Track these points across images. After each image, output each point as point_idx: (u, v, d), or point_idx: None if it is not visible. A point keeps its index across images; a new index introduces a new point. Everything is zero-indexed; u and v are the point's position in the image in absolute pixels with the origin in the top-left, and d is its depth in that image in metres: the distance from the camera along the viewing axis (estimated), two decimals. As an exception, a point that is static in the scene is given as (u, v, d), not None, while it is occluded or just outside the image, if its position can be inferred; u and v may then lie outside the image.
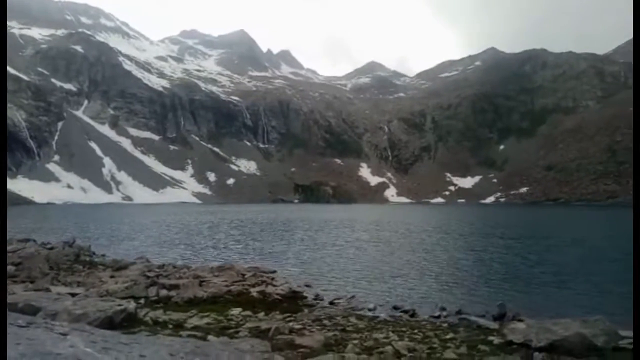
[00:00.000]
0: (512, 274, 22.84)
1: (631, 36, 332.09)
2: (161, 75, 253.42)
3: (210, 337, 8.44)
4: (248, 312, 13.19)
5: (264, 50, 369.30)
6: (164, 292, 16.16)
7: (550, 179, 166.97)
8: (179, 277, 19.90)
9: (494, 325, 12.50)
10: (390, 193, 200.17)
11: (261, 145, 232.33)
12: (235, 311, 13.20)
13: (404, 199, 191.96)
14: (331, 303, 16.92)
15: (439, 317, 14.92)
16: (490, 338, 9.36)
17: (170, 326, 10.32)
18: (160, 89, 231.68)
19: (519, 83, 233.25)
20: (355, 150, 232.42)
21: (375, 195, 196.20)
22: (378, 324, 12.01)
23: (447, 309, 15.78)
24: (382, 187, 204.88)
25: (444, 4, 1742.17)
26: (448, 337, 9.88)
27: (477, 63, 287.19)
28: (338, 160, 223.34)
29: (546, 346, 7.72)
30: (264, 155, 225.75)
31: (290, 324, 11.15)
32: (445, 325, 12.63)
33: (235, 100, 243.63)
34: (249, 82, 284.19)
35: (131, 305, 10.57)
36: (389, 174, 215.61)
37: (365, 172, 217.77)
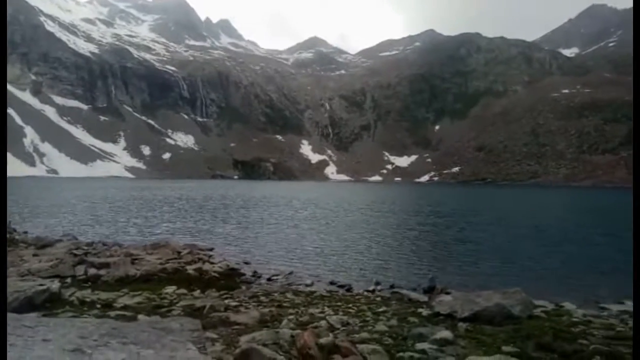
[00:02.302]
0: (442, 250, 24.09)
1: (558, 25, 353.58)
2: (89, 39, 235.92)
3: (140, 316, 8.16)
4: (183, 290, 12.92)
5: (202, 18, 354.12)
6: (92, 271, 15.44)
7: (479, 159, 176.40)
8: (110, 255, 19.09)
9: (424, 298, 13.18)
10: (331, 170, 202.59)
11: (199, 119, 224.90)
12: (170, 289, 12.90)
13: (343, 177, 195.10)
14: (269, 279, 17.01)
15: (373, 291, 15.46)
16: (420, 310, 9.86)
17: (99, 306, 9.89)
18: (88, 54, 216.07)
19: (455, 65, 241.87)
20: (296, 126, 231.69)
21: (315, 172, 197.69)
22: (314, 299, 12.23)
23: (381, 284, 16.37)
24: (323, 164, 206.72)
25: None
26: (381, 310, 10.27)
27: (417, 44, 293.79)
28: (279, 137, 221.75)
29: (470, 316, 8.27)
30: (202, 129, 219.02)
31: (226, 301, 11.07)
32: (379, 299, 13.11)
33: (171, 70, 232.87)
34: (186, 51, 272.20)
35: (55, 284, 9.97)
36: (329, 152, 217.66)
37: (306, 149, 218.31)
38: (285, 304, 11.06)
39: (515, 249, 24.42)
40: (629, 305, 12.91)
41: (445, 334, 7.04)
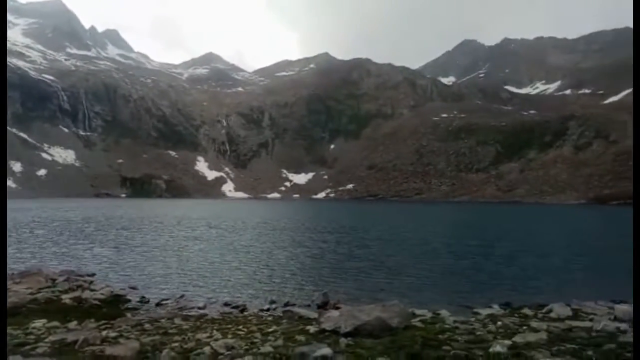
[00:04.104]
0: (335, 265, 24.93)
1: (437, 55, 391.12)
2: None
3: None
4: (55, 323, 11.70)
5: (87, 26, 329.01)
6: (-61, 309, 13.27)
7: (371, 177, 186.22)
8: (-36, 288, 16.63)
9: (314, 314, 13.50)
10: (228, 188, 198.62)
11: (81, 133, 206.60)
12: (39, 323, 11.60)
13: (241, 194, 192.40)
14: (158, 304, 16.16)
15: (268, 310, 15.47)
16: (308, 327, 10.08)
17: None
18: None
19: (348, 88, 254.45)
20: (191, 142, 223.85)
21: (212, 190, 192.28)
22: (204, 323, 11.86)
23: (276, 302, 16.44)
24: (220, 181, 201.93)
25: (281, 5, 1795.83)
26: (271, 330, 10.30)
27: (312, 66, 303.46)
28: (172, 153, 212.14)
29: (352, 331, 8.69)
30: (85, 144, 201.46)
31: (105, 332, 10.23)
32: (270, 318, 13.14)
33: (49, 79, 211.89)
34: (67, 60, 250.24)
35: None
36: (226, 169, 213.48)
37: (202, 165, 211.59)
38: (171, 331, 10.54)
39: (400, 262, 26.12)
40: (495, 309, 14.53)
41: (326, 351, 7.30)
